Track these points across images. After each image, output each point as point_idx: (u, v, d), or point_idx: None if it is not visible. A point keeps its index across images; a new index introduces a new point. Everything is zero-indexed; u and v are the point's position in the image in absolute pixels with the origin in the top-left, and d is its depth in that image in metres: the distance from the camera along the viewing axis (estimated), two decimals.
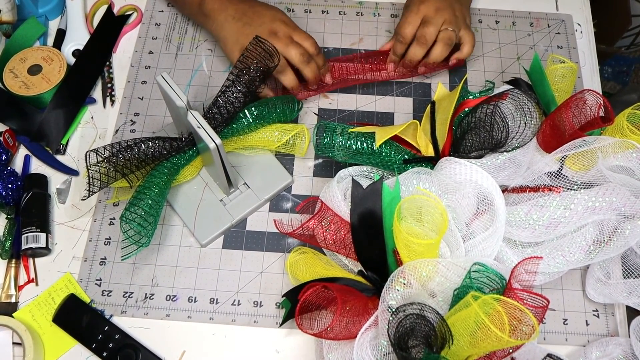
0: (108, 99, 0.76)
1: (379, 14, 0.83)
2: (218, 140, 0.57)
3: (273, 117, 0.68)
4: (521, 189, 0.62)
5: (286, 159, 0.72)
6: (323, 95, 0.77)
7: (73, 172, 0.71)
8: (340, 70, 0.76)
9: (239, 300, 0.64)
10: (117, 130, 0.74)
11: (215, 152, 0.58)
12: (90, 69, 0.76)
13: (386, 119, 0.75)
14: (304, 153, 0.70)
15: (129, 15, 0.83)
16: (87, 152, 0.59)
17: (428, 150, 0.65)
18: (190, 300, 0.64)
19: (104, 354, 0.60)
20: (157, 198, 0.62)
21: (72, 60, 0.78)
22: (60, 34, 0.80)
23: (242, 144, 0.69)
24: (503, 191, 0.60)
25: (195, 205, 0.67)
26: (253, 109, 0.67)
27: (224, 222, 0.67)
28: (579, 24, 0.83)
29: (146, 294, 0.64)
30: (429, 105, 0.68)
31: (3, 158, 0.69)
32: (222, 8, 0.71)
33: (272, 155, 0.71)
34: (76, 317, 0.62)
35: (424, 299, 0.54)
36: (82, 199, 0.66)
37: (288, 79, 0.70)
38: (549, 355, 0.54)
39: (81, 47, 0.78)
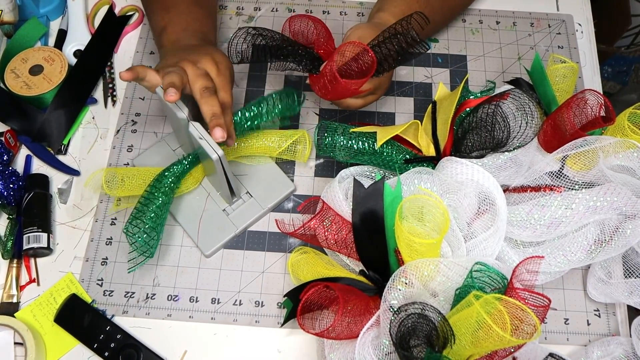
0: (109, 99, 0.76)
1: None
2: (220, 152, 0.56)
3: (276, 112, 0.66)
4: (522, 189, 0.62)
5: (287, 160, 0.72)
6: None
7: (74, 172, 0.71)
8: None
9: (240, 300, 0.64)
10: (118, 131, 0.74)
11: (218, 163, 0.58)
12: (91, 70, 0.77)
13: (387, 119, 0.75)
14: (306, 159, 0.70)
15: (131, 16, 0.83)
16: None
17: (429, 150, 0.65)
18: (191, 300, 0.64)
19: (106, 354, 0.60)
20: (159, 210, 0.61)
21: (74, 60, 0.78)
22: (62, 35, 0.80)
23: (243, 152, 0.68)
24: (504, 191, 0.61)
25: (198, 216, 0.67)
26: (253, 107, 0.65)
27: (227, 232, 0.66)
28: (579, 24, 0.83)
29: (148, 294, 0.64)
30: (430, 105, 0.68)
31: (4, 158, 0.69)
32: (176, 39, 0.66)
33: (273, 164, 0.70)
34: (78, 317, 0.62)
35: (425, 298, 0.54)
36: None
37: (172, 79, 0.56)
38: (550, 354, 0.54)
39: (82, 48, 0.78)
